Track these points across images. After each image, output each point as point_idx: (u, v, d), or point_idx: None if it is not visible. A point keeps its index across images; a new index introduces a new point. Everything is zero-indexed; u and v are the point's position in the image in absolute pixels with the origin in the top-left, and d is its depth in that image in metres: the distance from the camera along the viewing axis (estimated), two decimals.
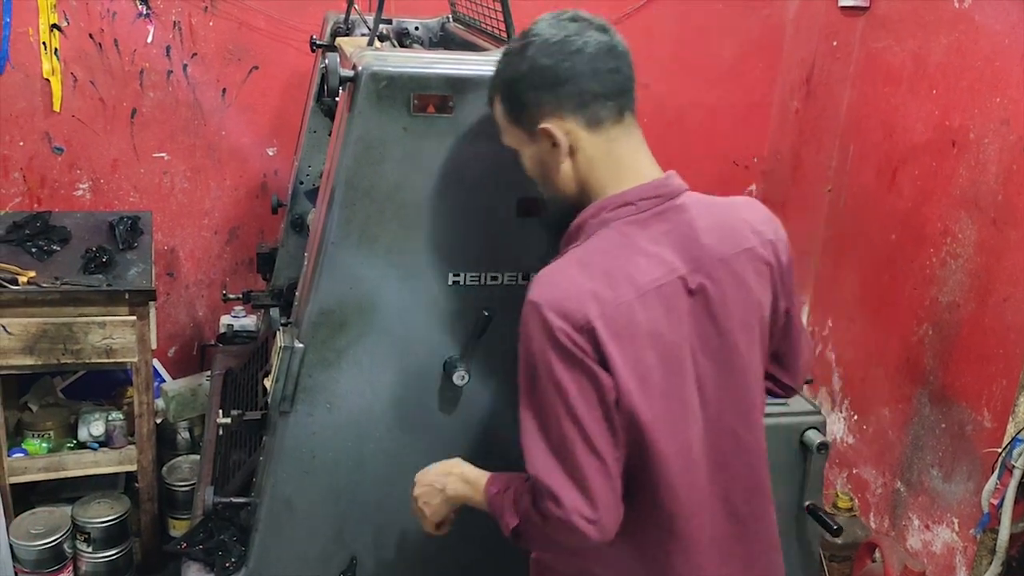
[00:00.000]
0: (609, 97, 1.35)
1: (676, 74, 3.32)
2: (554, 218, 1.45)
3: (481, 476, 1.51)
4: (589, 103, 1.35)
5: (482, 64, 1.71)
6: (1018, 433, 2.18)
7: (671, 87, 3.31)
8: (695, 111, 3.38)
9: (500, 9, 1.89)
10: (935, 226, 2.65)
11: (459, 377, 1.78)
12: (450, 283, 1.77)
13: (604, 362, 1.28)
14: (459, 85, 1.65)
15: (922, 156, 2.71)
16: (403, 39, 2.42)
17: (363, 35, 2.37)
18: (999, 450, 2.21)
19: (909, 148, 2.77)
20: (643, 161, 1.40)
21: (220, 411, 2.29)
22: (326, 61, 1.64)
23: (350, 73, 1.64)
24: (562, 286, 1.30)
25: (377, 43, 1.87)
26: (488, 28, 2.12)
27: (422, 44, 2.47)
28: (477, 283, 1.78)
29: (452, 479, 1.55)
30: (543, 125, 1.37)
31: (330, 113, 2.20)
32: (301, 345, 1.75)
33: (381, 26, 2.39)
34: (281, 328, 1.83)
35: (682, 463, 1.37)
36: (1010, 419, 2.24)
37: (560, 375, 1.28)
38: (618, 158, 1.38)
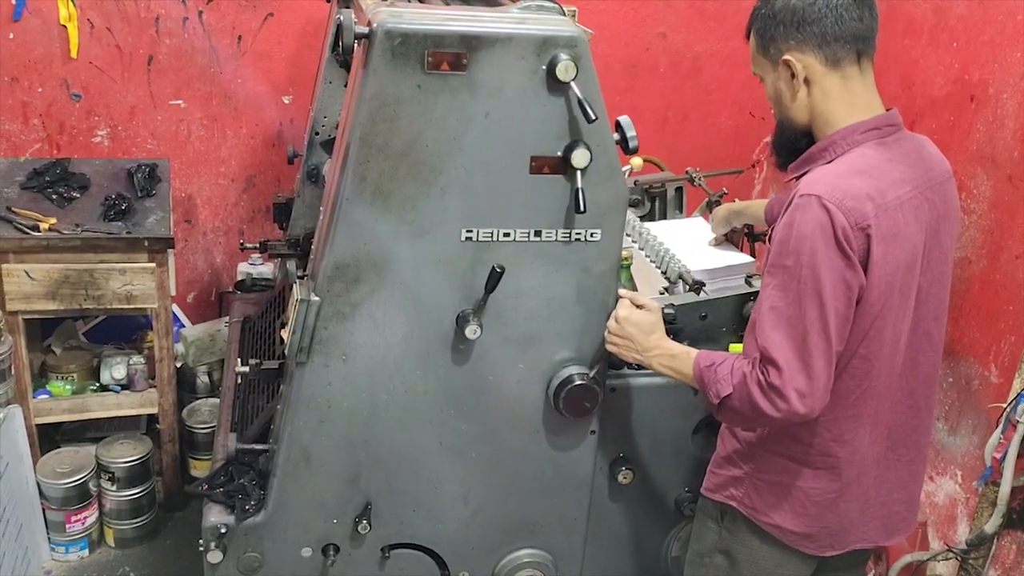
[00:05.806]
0: (848, 40, 1.56)
1: (693, 24, 3.26)
2: (781, 139, 1.70)
3: (685, 352, 1.72)
4: (830, 43, 1.56)
5: (497, 21, 1.71)
6: None
7: (688, 37, 3.26)
8: (712, 61, 3.33)
9: None
10: None
11: (471, 331, 1.81)
12: (463, 239, 1.79)
13: (866, 260, 1.49)
14: (473, 43, 1.65)
15: (940, 110, 2.68)
16: None
17: None
18: (1004, 405, 2.24)
19: (927, 102, 2.74)
20: (874, 99, 1.62)
21: (239, 359, 2.34)
22: (340, 17, 1.64)
23: (365, 30, 1.64)
24: (843, 187, 1.49)
25: None
26: None
27: (443, 1, 2.44)
28: (490, 239, 1.80)
29: (657, 353, 1.76)
30: (785, 57, 1.59)
31: (346, 64, 2.19)
32: (317, 299, 1.79)
33: None
34: (298, 281, 1.86)
35: (890, 350, 1.60)
36: (1016, 375, 2.27)
37: (821, 264, 1.47)
38: (852, 93, 1.59)
